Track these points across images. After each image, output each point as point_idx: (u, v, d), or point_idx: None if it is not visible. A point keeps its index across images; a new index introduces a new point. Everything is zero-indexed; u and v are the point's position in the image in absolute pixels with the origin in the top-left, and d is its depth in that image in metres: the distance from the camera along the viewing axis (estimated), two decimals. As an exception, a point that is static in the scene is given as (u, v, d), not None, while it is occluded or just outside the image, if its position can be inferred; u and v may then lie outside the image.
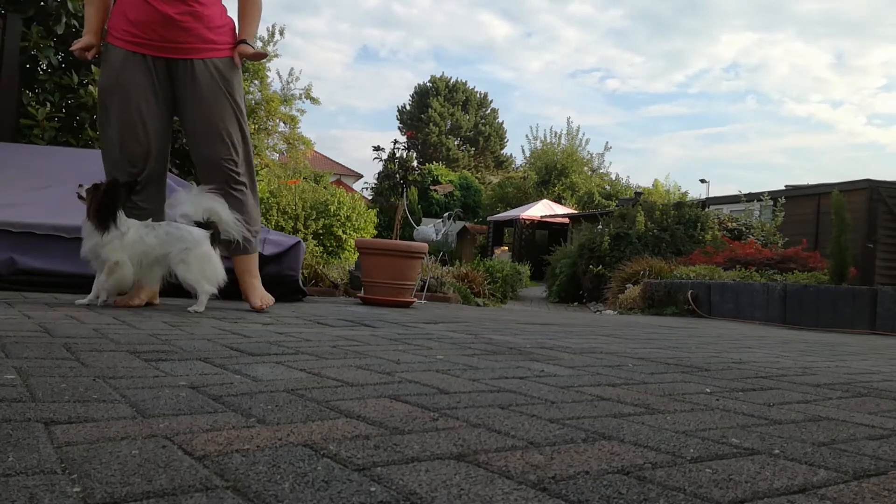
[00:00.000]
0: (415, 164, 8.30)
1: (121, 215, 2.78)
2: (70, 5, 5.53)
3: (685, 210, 11.69)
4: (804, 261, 7.74)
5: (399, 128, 42.45)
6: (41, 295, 3.21)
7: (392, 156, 6.12)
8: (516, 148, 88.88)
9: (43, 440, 0.85)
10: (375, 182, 13.16)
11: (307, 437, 0.94)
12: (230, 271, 3.12)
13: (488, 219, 25.30)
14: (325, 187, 14.89)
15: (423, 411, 1.15)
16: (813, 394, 1.59)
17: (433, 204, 26.24)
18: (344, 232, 13.05)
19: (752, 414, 1.29)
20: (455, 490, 0.75)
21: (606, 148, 40.03)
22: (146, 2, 2.87)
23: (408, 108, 42.75)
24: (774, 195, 12.32)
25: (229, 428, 0.96)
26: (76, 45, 3.00)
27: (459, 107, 41.42)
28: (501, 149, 42.66)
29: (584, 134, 39.09)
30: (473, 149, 41.36)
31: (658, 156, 70.33)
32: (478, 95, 42.52)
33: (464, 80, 42.38)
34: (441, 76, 42.37)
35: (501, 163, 41.89)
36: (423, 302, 5.19)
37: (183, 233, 2.86)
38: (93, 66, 5.51)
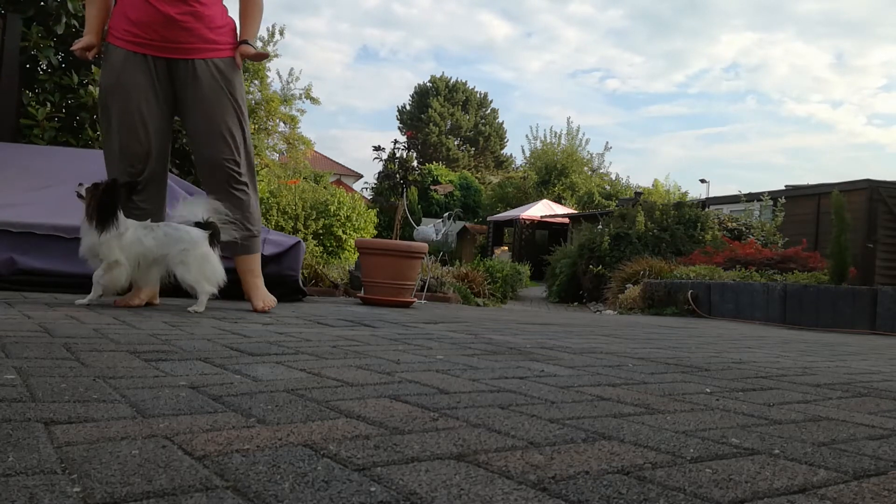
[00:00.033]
0: (415, 164, 8.31)
1: (120, 215, 2.78)
2: (70, 5, 5.53)
3: (685, 210, 11.69)
4: (804, 261, 7.74)
5: (399, 128, 42.47)
6: (41, 295, 3.21)
7: (392, 156, 6.12)
8: (516, 148, 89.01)
9: (43, 440, 0.85)
10: (375, 182, 13.20)
11: (307, 437, 0.94)
12: (231, 271, 3.11)
13: (488, 219, 25.29)
14: (325, 187, 14.88)
15: (423, 411, 1.15)
16: (813, 394, 1.59)
17: (433, 204, 26.24)
18: (344, 232, 13.05)
19: (752, 414, 1.29)
20: (455, 490, 0.75)
21: (606, 148, 40.09)
22: (147, 2, 2.87)
23: (408, 108, 42.76)
24: (774, 195, 12.31)
25: (229, 428, 0.96)
26: (77, 45, 3.00)
27: (459, 107, 41.42)
28: (501, 149, 42.66)
29: (584, 134, 39.17)
30: (473, 149, 41.36)
31: (658, 156, 70.40)
32: (478, 95, 42.52)
33: (464, 80, 42.47)
34: (441, 76, 42.41)
35: (501, 163, 41.89)
36: (423, 302, 5.19)
37: (181, 234, 2.86)
38: (93, 67, 5.52)
